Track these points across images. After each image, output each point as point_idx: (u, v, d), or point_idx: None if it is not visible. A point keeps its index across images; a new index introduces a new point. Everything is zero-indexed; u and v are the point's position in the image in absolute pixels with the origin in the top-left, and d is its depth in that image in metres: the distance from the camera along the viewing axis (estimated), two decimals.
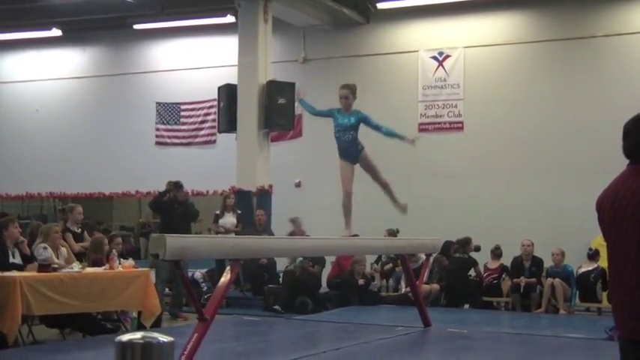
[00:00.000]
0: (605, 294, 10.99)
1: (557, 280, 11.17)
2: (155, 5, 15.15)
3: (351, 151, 8.00)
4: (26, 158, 17.71)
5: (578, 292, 11.39)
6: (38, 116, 18.04)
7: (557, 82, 14.19)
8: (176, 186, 10.97)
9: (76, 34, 17.54)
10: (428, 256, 9.95)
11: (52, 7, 15.61)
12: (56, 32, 17.21)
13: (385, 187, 8.60)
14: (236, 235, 11.29)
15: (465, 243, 12.12)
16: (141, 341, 2.63)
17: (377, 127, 8.26)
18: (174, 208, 10.84)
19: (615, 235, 2.65)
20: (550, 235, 12.44)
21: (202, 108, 16.37)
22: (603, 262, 11.11)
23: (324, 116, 8.45)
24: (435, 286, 11.89)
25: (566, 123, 13.93)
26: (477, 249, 12.17)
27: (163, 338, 2.64)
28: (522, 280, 11.39)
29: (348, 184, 8.25)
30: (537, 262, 11.65)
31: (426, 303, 10.02)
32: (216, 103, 14.60)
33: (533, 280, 11.41)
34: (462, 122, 14.72)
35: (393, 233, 12.40)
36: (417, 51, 15.10)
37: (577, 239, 12.03)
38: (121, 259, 8.95)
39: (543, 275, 11.55)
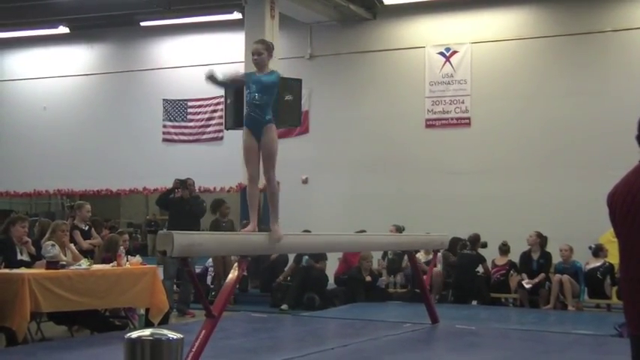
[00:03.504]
0: (614, 290, 10.95)
1: (565, 277, 11.13)
2: (162, 2, 15.15)
3: (256, 120, 6.46)
4: (34, 155, 17.75)
5: (586, 289, 11.34)
6: (46, 114, 18.09)
7: (565, 77, 14.13)
8: (182, 184, 10.98)
9: (83, 31, 17.57)
10: (435, 252, 9.94)
11: (58, 4, 15.65)
12: (63, 30, 17.25)
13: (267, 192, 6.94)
14: None
15: (474, 240, 12.09)
16: (150, 338, 2.64)
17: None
18: (181, 206, 10.84)
19: (627, 230, 2.63)
20: (558, 231, 12.36)
21: (209, 105, 16.38)
22: (612, 259, 11.09)
23: (237, 83, 6.96)
24: (437, 270, 11.73)
25: (575, 118, 13.88)
26: (484, 245, 12.15)
27: (172, 335, 2.64)
28: (526, 281, 11.33)
29: (252, 166, 6.62)
30: (546, 254, 11.62)
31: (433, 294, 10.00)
32: (223, 99, 14.57)
33: (542, 276, 11.37)
34: (469, 118, 14.69)
35: (399, 229, 12.39)
36: (424, 47, 15.06)
37: (585, 235, 11.99)
38: (129, 256, 8.96)
39: (551, 271, 11.52)
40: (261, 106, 6.44)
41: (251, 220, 6.66)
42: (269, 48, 6.55)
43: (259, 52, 6.48)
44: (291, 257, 12.31)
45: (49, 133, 17.85)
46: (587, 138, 13.71)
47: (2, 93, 18.76)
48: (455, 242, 12.02)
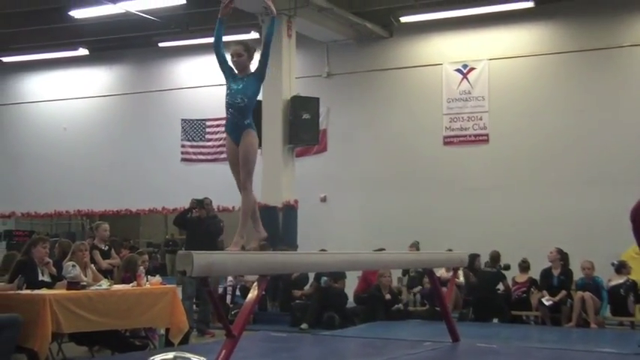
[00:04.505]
0: (637, 307, 10.82)
1: (587, 294, 11.01)
2: (179, 23, 15.29)
3: (235, 124, 6.19)
4: (54, 176, 17.90)
5: (609, 306, 11.21)
6: (66, 135, 18.26)
7: (583, 93, 14.07)
8: (199, 204, 11.01)
9: (102, 53, 17.76)
10: (455, 270, 9.87)
11: (78, 27, 15.82)
12: (83, 52, 17.44)
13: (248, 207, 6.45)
14: None
15: (495, 257, 12.01)
16: None
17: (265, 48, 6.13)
18: (198, 226, 10.86)
19: None
20: (579, 247, 12.26)
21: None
22: (635, 275, 10.98)
23: (219, 61, 6.25)
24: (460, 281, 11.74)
25: (594, 134, 13.80)
26: (507, 267, 12.01)
27: (195, 358, 2.64)
28: (546, 297, 11.22)
29: (237, 175, 6.30)
30: (567, 271, 11.52)
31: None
32: None
33: (563, 293, 11.26)
34: (487, 134, 14.65)
35: (416, 246, 12.34)
36: (441, 64, 15.08)
37: (607, 252, 11.90)
38: (149, 276, 8.97)
39: (573, 288, 11.41)
40: (242, 110, 6.13)
41: (256, 231, 6.52)
42: (249, 49, 6.20)
43: (239, 54, 6.17)
44: (311, 276, 12.29)
45: (69, 153, 18.02)
46: (607, 153, 13.62)
47: (23, 115, 18.98)
48: (473, 259, 11.97)
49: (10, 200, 17.97)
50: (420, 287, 12.44)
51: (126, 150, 17.50)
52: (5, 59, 18.23)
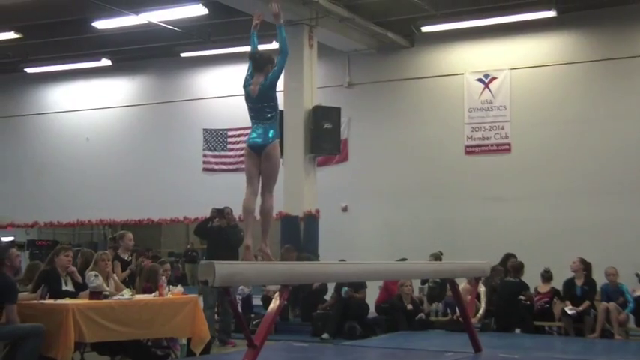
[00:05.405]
0: None
1: (611, 304, 10.90)
2: (201, 34, 15.38)
3: None
4: (77, 186, 18.04)
5: (633, 318, 11.08)
6: (88, 145, 18.41)
7: (605, 102, 13.97)
8: (219, 213, 11.03)
9: (124, 63, 17.91)
10: (477, 279, 9.82)
11: (101, 38, 15.98)
12: (105, 62, 17.59)
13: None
14: None
15: (517, 267, 11.91)
16: None
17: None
18: (219, 235, 10.88)
19: None
20: (602, 257, 12.11)
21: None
22: None
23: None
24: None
25: (617, 143, 13.69)
26: (530, 298, 11.84)
27: None
28: (569, 307, 11.10)
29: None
30: (590, 281, 11.40)
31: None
32: None
33: (587, 303, 11.14)
34: (509, 144, 14.57)
35: (438, 257, 12.28)
36: (463, 73, 15.03)
37: (630, 262, 11.77)
38: (170, 286, 8.99)
39: (597, 298, 11.28)
40: None
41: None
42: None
43: None
44: (331, 286, 12.27)
45: (91, 163, 18.16)
46: (631, 162, 13.50)
47: (46, 125, 19.16)
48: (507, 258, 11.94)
49: (33, 210, 18.12)
50: (443, 299, 12.35)
51: (148, 160, 17.59)
52: (29, 70, 18.42)
